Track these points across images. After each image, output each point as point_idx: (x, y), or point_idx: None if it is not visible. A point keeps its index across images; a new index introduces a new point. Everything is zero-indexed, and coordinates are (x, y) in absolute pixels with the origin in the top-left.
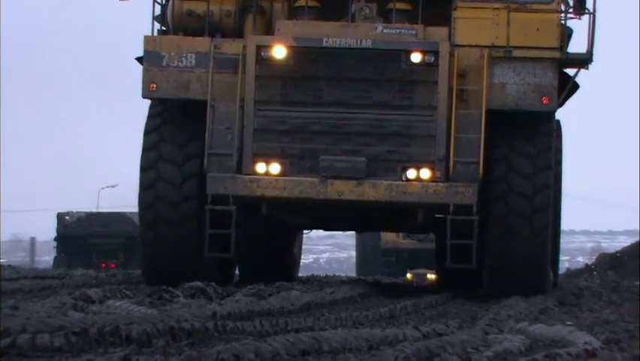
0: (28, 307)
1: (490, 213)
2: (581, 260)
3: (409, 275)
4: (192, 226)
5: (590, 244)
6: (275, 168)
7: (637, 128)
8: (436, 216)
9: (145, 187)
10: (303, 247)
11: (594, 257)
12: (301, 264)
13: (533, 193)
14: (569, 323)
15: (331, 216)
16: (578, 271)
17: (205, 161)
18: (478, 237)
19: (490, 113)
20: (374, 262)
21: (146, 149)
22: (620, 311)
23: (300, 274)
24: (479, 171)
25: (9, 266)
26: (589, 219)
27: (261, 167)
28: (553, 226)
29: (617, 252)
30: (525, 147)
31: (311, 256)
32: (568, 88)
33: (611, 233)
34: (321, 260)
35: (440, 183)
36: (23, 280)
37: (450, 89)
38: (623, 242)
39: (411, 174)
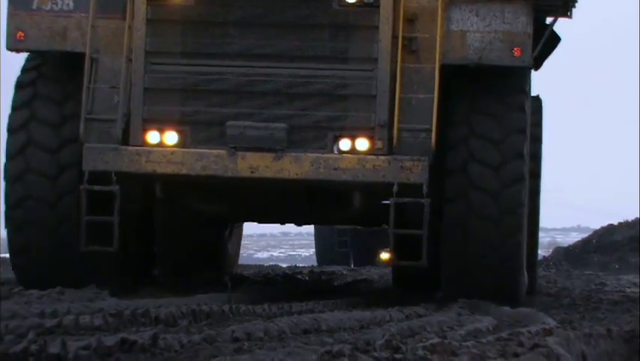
0: (72, 292)
1: (445, 191)
2: (540, 253)
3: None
4: (72, 204)
5: (546, 239)
6: (171, 137)
7: (590, 131)
8: (383, 202)
9: (12, 154)
10: (304, 241)
11: (550, 250)
12: (303, 256)
13: (501, 163)
14: (529, 306)
15: (249, 201)
16: (537, 262)
17: (81, 128)
18: (430, 226)
19: (447, 69)
20: (331, 247)
21: (15, 107)
22: (571, 296)
23: (302, 265)
24: (431, 141)
25: None
26: (545, 217)
27: (153, 136)
28: (531, 220)
29: (570, 246)
30: (491, 106)
31: (312, 250)
32: (545, 37)
33: (565, 230)
34: None
35: (381, 157)
36: None
37: (395, 37)
38: (575, 238)
39: (344, 144)
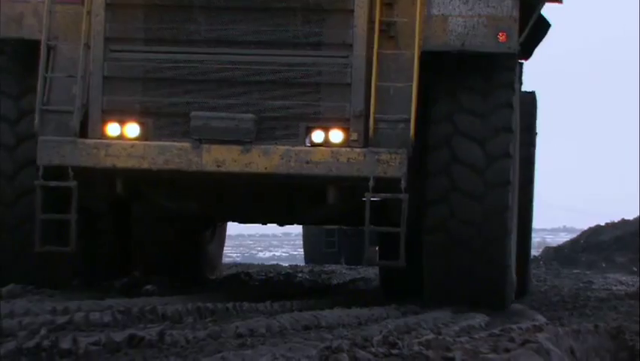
0: (82, 290)
1: (426, 193)
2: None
3: None
4: (32, 203)
5: (537, 239)
6: (132, 129)
7: (578, 130)
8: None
9: None
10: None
11: (540, 250)
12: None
13: (486, 164)
14: (520, 303)
15: (219, 198)
16: (530, 263)
17: (36, 119)
18: (409, 224)
19: (427, 56)
20: (319, 248)
21: None
22: (561, 294)
23: (303, 265)
24: (410, 133)
25: None
26: (535, 218)
27: (113, 128)
28: (524, 221)
29: (559, 245)
30: (475, 102)
31: None
32: (532, 22)
33: (554, 230)
34: None
35: (357, 149)
36: None
37: (371, 21)
38: (564, 238)
39: (317, 136)
